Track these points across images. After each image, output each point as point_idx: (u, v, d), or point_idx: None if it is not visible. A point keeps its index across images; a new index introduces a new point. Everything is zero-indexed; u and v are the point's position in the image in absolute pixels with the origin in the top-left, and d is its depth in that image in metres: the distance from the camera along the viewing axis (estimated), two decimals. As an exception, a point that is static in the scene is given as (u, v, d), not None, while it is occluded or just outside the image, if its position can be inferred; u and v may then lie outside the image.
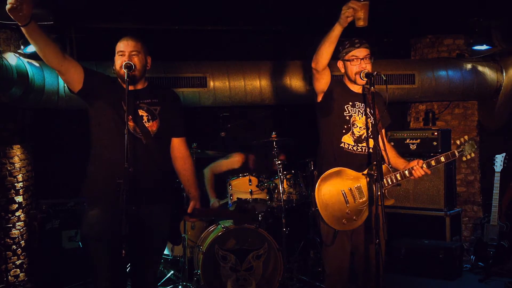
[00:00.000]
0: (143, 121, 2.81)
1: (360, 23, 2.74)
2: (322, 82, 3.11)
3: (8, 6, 2.27)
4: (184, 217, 3.15)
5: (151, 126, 2.83)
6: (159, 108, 2.88)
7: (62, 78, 2.73)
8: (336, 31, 2.83)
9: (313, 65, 3.01)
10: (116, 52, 2.81)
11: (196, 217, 3.05)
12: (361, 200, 3.09)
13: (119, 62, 2.76)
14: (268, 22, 5.34)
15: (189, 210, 2.95)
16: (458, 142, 3.24)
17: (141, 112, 2.82)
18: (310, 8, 4.57)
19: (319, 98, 3.19)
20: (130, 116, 2.74)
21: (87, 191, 2.82)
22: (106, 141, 2.77)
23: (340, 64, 3.21)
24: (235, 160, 5.09)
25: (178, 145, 3.00)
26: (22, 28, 2.40)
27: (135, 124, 2.77)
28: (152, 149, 2.83)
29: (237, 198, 4.49)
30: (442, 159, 3.16)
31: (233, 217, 3.40)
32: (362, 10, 2.71)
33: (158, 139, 2.87)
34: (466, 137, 3.27)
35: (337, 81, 3.27)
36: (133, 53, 2.78)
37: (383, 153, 3.15)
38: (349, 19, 2.74)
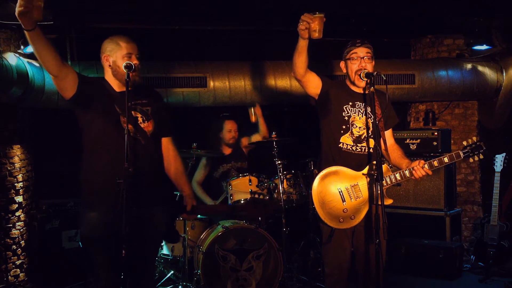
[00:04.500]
0: (138, 122, 2.81)
1: (315, 35, 2.79)
2: (310, 87, 3.15)
3: (19, 9, 2.24)
4: (183, 215, 3.13)
5: (147, 126, 2.84)
6: (150, 109, 2.88)
7: (57, 83, 2.65)
8: (300, 43, 2.89)
9: (292, 74, 3.10)
10: (120, 52, 2.75)
11: (195, 214, 3.06)
12: (359, 199, 3.09)
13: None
14: (269, 23, 5.34)
15: (188, 208, 2.96)
16: (465, 143, 3.12)
17: (135, 114, 2.82)
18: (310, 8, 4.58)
19: (313, 101, 3.23)
20: (125, 119, 2.73)
21: (85, 194, 2.79)
22: (101, 144, 2.75)
23: (342, 64, 3.22)
24: (203, 164, 5.20)
25: (167, 145, 3.01)
26: (26, 33, 2.37)
27: (131, 126, 2.76)
28: (150, 149, 2.84)
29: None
30: (446, 159, 3.07)
31: (247, 209, 3.34)
32: (315, 22, 2.76)
33: (154, 139, 2.88)
34: (474, 138, 3.14)
35: (335, 82, 3.28)
36: (137, 55, 2.79)
37: (384, 152, 3.14)
38: (305, 32, 2.79)
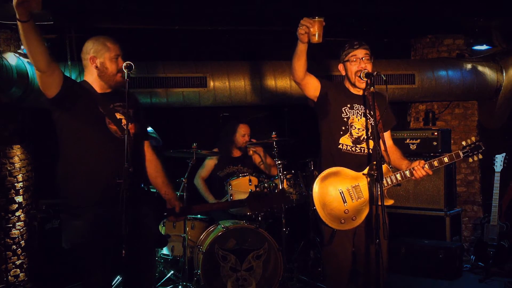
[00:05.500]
0: (122, 124, 2.76)
1: (315, 39, 2.79)
2: (309, 89, 3.16)
3: None
4: (170, 218, 3.05)
5: (131, 128, 2.78)
6: (132, 111, 2.83)
7: (43, 80, 2.61)
8: (299, 47, 2.89)
9: (292, 77, 3.12)
10: (108, 53, 2.73)
11: (184, 215, 3.06)
12: (359, 200, 3.09)
13: (115, 66, 2.71)
14: (269, 23, 5.34)
15: (177, 210, 2.94)
16: (464, 143, 3.16)
17: (118, 115, 2.77)
18: (311, 9, 4.58)
19: (312, 103, 3.23)
20: (109, 120, 2.70)
21: (70, 199, 2.72)
22: (86, 147, 2.69)
23: (340, 66, 3.22)
24: (209, 163, 5.23)
25: (146, 148, 2.98)
26: (19, 24, 2.32)
27: (116, 128, 2.74)
28: (136, 151, 2.81)
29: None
30: (446, 159, 3.09)
31: (247, 204, 3.30)
32: (314, 27, 2.76)
33: (138, 141, 2.86)
34: (473, 138, 3.17)
35: (333, 83, 3.29)
36: (122, 57, 2.77)
37: (383, 153, 3.14)
38: (305, 36, 2.79)
